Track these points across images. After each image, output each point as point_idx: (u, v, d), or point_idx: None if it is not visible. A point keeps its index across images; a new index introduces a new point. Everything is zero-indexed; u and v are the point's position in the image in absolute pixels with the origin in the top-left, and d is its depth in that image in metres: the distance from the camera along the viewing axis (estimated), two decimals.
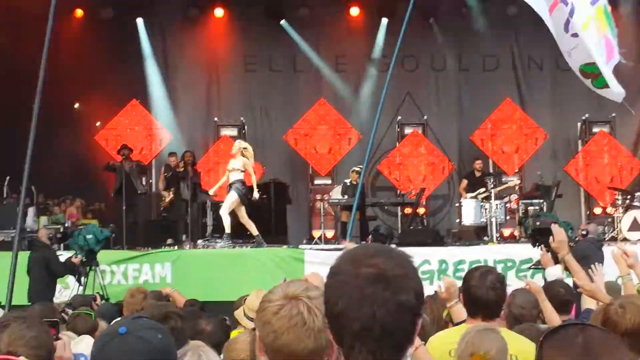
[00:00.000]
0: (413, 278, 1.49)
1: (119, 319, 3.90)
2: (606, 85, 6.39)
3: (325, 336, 1.70)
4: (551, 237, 4.62)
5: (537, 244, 8.76)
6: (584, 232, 10.01)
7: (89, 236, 9.89)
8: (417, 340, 2.42)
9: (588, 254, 7.64)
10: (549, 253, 5.86)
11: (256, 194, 11.40)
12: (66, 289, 9.97)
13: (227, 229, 11.42)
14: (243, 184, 11.12)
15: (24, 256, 9.01)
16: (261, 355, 1.80)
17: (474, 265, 5.88)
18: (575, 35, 6.33)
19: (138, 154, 12.97)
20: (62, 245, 10.90)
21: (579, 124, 13.69)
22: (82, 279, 9.74)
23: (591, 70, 6.45)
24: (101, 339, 1.95)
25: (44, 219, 12.93)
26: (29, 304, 7.97)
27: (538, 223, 9.23)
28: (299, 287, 1.80)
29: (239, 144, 11.81)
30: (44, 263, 9.63)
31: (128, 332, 1.82)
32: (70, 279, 10.03)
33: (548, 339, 1.82)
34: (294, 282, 1.89)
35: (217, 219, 12.44)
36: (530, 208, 12.10)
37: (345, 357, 1.54)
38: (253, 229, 11.37)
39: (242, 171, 11.25)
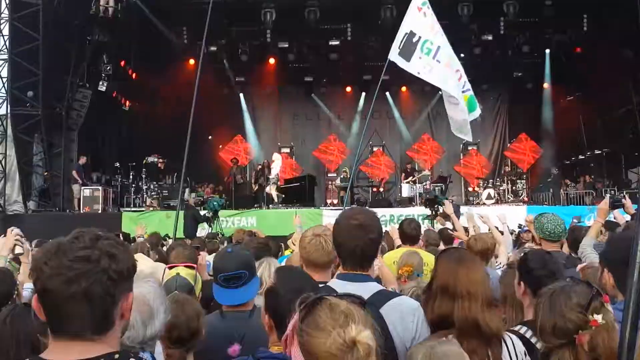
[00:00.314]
0: (377, 225, 2.40)
1: (227, 245, 5.47)
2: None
3: (333, 254, 2.75)
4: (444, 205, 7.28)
5: (428, 207, 13.81)
6: (451, 200, 14.57)
7: (215, 203, 13.79)
8: (379, 257, 3.17)
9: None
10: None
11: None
12: (203, 230, 13.30)
13: (278, 200, 17.62)
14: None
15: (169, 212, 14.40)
16: (300, 262, 2.90)
17: (405, 217, 7.41)
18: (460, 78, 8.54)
19: (240, 162, 21.29)
20: (201, 206, 14.91)
21: (461, 145, 22.36)
22: (212, 224, 13.30)
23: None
24: (218, 254, 3.04)
25: (193, 194, 17.90)
26: (184, 237, 10.34)
27: (428, 196, 15.20)
28: (320, 229, 2.89)
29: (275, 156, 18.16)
30: (192, 216, 12.96)
31: (232, 251, 2.89)
32: (205, 225, 13.57)
33: (441, 254, 2.68)
34: (318, 226, 2.99)
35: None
36: (437, 188, 19.37)
37: (342, 265, 2.50)
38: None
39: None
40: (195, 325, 2.52)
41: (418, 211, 16.07)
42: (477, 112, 8.94)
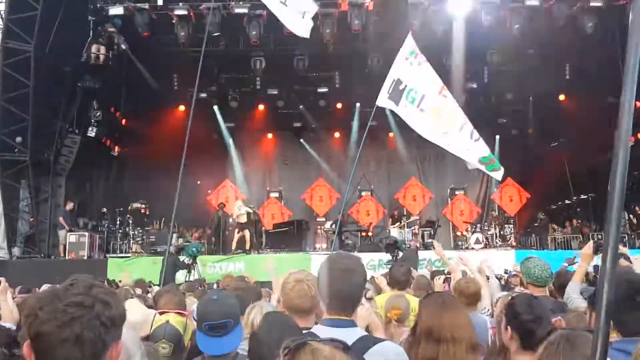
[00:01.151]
0: (362, 270, 2.47)
1: (212, 290, 5.51)
2: (497, 169, 8.89)
3: (316, 300, 2.75)
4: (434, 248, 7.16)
5: (388, 252, 14.33)
6: (409, 245, 15.93)
7: (193, 249, 14.03)
8: (363, 301, 3.01)
9: (408, 256, 13.16)
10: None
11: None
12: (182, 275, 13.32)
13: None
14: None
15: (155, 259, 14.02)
16: (282, 309, 2.86)
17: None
18: (477, 139, 8.63)
19: (226, 207, 20.16)
20: (180, 253, 14.34)
21: (448, 189, 22.87)
22: (191, 270, 13.51)
23: (487, 160, 8.77)
24: (202, 302, 2.92)
25: (180, 240, 18.06)
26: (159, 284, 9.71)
27: (388, 241, 15.56)
28: (302, 274, 2.87)
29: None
30: (172, 263, 12.19)
31: (218, 299, 2.80)
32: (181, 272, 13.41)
33: (425, 299, 2.76)
34: (300, 271, 2.92)
35: (267, 238, 19.87)
36: (425, 232, 20.07)
37: (327, 309, 2.48)
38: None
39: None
40: None
41: None
42: (499, 172, 9.15)
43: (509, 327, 2.78)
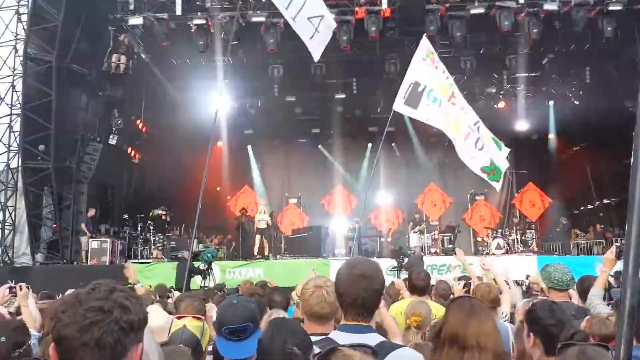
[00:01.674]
0: (380, 276, 2.45)
1: (231, 295, 4.91)
2: (497, 180, 8.88)
3: (335, 306, 2.66)
4: (456, 254, 7.18)
5: (394, 258, 14.43)
6: (414, 251, 16.56)
7: (209, 254, 13.44)
8: (381, 306, 3.04)
9: (413, 262, 13.08)
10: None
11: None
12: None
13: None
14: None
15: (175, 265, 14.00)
16: (302, 315, 2.80)
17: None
18: (481, 148, 8.63)
19: (248, 213, 20.16)
20: (195, 258, 13.29)
21: (468, 195, 22.55)
22: (206, 276, 13.11)
23: (489, 170, 8.81)
24: (222, 306, 2.86)
25: (200, 246, 17.45)
26: (174, 288, 10.51)
27: (394, 247, 16.41)
28: (321, 280, 2.83)
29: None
30: (185, 268, 10.63)
31: (237, 303, 2.75)
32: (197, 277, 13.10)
33: (452, 303, 2.63)
34: (319, 277, 2.94)
35: (286, 243, 20.21)
36: (446, 238, 19.59)
37: (344, 316, 2.47)
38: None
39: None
40: None
41: (428, 261, 15.85)
42: (505, 151, 9.15)
43: (531, 334, 2.74)
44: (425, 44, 8.85)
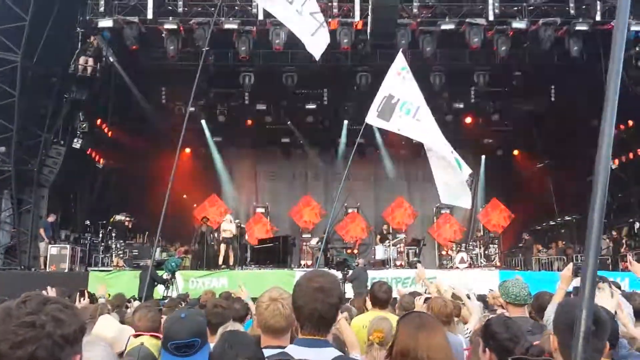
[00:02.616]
0: (337, 289, 2.43)
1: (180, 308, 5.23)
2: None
3: (292, 318, 2.61)
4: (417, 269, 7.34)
5: (338, 270, 13.34)
6: (357, 263, 15.98)
7: (173, 264, 13.72)
8: (339, 319, 3.04)
9: (357, 274, 13.27)
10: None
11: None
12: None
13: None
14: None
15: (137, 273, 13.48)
16: (257, 328, 2.77)
17: (375, 280, 7.28)
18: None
19: (211, 222, 19.57)
20: (158, 267, 13.74)
21: (434, 208, 22.77)
22: (170, 286, 13.33)
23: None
24: (169, 320, 2.81)
25: (164, 254, 17.60)
26: (137, 298, 10.00)
27: (338, 259, 15.84)
28: (276, 293, 2.77)
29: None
30: (150, 278, 11.62)
31: (185, 317, 2.70)
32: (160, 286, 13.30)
33: (402, 319, 2.65)
34: (274, 289, 2.83)
35: (252, 253, 19.59)
36: (411, 251, 20.04)
37: (301, 329, 2.41)
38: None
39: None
40: None
41: (392, 274, 16.10)
42: (466, 171, 9.13)
43: (487, 349, 2.74)
44: (400, 58, 9.06)
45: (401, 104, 8.59)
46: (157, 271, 13.68)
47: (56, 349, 1.41)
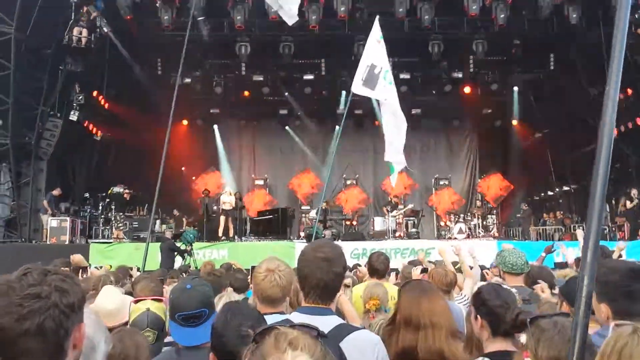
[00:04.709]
0: (342, 259, 2.50)
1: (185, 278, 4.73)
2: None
3: (288, 289, 2.78)
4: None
5: (307, 242, 12.57)
6: (324, 235, 16.67)
7: (190, 235, 14.34)
8: (341, 291, 2.85)
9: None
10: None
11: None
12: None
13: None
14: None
15: (156, 245, 13.43)
16: (256, 297, 2.82)
17: (374, 251, 7.35)
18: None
19: (211, 194, 20.39)
20: (176, 239, 14.94)
21: (432, 179, 22.89)
22: (187, 257, 13.88)
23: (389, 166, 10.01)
24: (175, 291, 2.81)
25: (164, 227, 18.43)
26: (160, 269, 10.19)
27: (307, 232, 16.59)
28: (273, 264, 2.81)
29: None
30: (168, 247, 13.53)
31: (191, 288, 2.72)
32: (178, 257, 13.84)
33: (403, 286, 2.82)
34: (271, 259, 2.87)
35: (251, 225, 20.16)
36: (409, 222, 19.63)
37: (305, 298, 2.50)
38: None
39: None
40: (134, 355, 2.46)
41: (391, 245, 16.23)
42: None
43: (478, 317, 2.78)
44: (377, 27, 9.17)
45: (384, 72, 8.76)
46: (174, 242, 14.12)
47: (63, 319, 1.42)
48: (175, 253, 13.58)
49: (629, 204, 17.23)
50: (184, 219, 20.67)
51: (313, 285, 2.45)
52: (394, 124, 9.21)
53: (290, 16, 8.83)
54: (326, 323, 2.35)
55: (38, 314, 1.39)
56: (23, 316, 1.38)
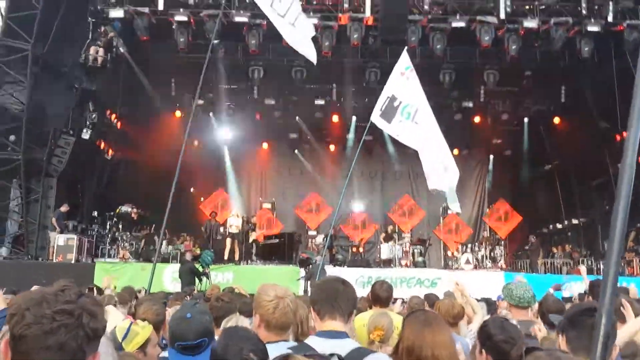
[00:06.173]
0: (353, 290, 2.70)
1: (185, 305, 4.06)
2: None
3: (296, 312, 2.87)
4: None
5: (301, 267, 14.23)
6: (315, 261, 14.21)
7: (208, 257, 14.11)
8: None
9: (313, 272, 12.62)
10: None
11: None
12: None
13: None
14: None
15: (175, 266, 14.62)
16: (259, 324, 2.73)
17: (377, 279, 6.37)
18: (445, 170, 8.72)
19: (219, 215, 20.27)
20: (196, 260, 14.39)
21: (440, 208, 22.24)
22: (206, 278, 13.62)
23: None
24: (175, 320, 2.71)
25: (169, 247, 18.20)
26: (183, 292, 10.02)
27: (301, 257, 15.13)
28: (281, 291, 2.78)
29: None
30: (189, 270, 13.54)
31: (191, 317, 2.63)
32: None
33: (408, 316, 2.75)
34: (276, 286, 2.83)
35: (257, 249, 19.59)
36: (416, 250, 19.64)
37: (321, 322, 2.57)
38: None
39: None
40: None
41: (397, 273, 16.09)
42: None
43: (483, 350, 2.73)
44: (405, 57, 8.95)
45: (402, 107, 8.54)
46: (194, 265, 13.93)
47: (84, 341, 1.43)
48: (195, 275, 13.54)
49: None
50: (185, 242, 20.25)
51: (329, 309, 2.55)
52: (429, 150, 8.67)
53: (311, 56, 8.83)
54: (344, 346, 2.41)
55: (65, 331, 1.41)
56: (52, 330, 1.40)
